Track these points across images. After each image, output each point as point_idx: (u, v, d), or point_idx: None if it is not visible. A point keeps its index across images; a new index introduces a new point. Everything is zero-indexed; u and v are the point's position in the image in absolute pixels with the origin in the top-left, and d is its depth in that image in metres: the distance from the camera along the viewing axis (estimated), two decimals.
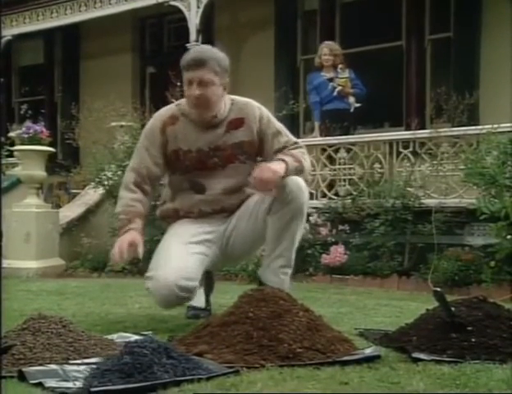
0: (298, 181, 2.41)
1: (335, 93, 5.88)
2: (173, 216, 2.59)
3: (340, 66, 5.95)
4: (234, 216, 2.53)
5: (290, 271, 2.48)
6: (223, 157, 2.50)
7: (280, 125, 2.60)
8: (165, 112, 2.59)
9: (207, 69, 2.41)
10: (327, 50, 5.98)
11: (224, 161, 2.50)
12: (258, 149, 2.54)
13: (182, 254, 2.38)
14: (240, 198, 2.54)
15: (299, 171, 2.46)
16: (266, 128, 2.53)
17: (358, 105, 5.90)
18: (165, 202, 2.66)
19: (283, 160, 2.40)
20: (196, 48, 2.63)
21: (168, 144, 2.51)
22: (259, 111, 2.55)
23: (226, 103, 2.53)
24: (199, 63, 2.42)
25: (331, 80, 5.93)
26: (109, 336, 2.08)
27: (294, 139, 2.60)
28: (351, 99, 5.92)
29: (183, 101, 2.57)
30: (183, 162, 2.50)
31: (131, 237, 2.36)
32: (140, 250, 2.33)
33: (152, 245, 5.25)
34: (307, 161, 2.54)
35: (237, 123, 2.51)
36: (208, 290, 2.70)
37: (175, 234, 2.51)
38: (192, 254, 2.40)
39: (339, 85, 5.87)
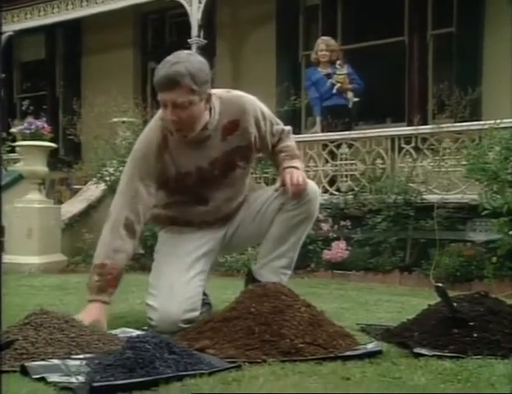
0: (315, 188, 2.39)
1: (334, 91, 5.86)
2: (167, 222, 2.47)
3: (338, 62, 5.93)
4: (235, 219, 2.47)
5: (289, 273, 2.43)
6: (223, 167, 2.34)
7: (269, 113, 2.42)
8: (155, 132, 2.27)
9: (181, 89, 2.09)
10: (324, 45, 5.95)
11: (224, 171, 2.35)
12: (260, 147, 2.42)
13: (185, 280, 2.29)
14: (238, 201, 2.46)
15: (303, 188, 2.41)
16: (263, 126, 2.38)
17: (356, 100, 5.89)
18: (156, 206, 2.39)
19: (296, 166, 2.38)
20: (168, 61, 2.15)
21: (165, 170, 2.26)
22: (253, 108, 2.34)
23: (215, 106, 2.25)
24: (171, 84, 2.10)
25: (328, 75, 5.92)
26: (112, 332, 2.08)
27: (281, 125, 2.49)
28: (349, 95, 5.91)
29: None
30: (182, 183, 2.31)
31: (95, 316, 2.12)
32: (104, 327, 2.13)
33: (153, 240, 5.28)
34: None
35: (232, 127, 2.30)
36: None
37: (174, 254, 2.37)
38: (193, 277, 2.32)
39: (338, 82, 5.86)
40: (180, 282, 2.29)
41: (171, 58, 2.17)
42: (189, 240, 2.40)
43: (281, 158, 2.44)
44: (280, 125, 2.48)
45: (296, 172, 2.32)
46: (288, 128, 2.52)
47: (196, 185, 2.34)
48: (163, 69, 2.15)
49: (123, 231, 2.23)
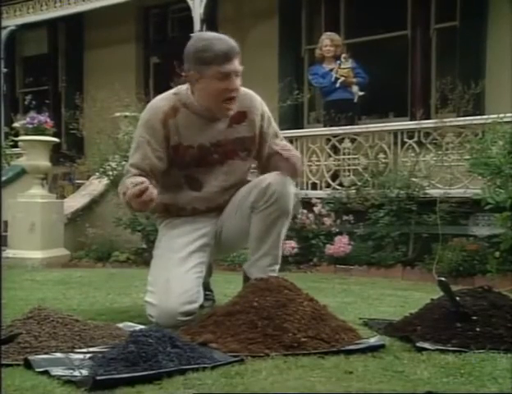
0: (282, 180, 2.31)
1: (337, 84, 5.85)
2: (162, 211, 2.48)
3: (343, 55, 5.92)
4: (224, 212, 2.47)
5: (277, 267, 2.41)
6: (223, 152, 2.37)
7: (276, 127, 2.54)
8: (164, 102, 2.36)
9: (238, 58, 2.26)
10: (328, 41, 5.93)
11: (223, 157, 2.38)
12: (258, 147, 2.45)
13: (181, 273, 2.29)
14: (230, 195, 2.46)
15: (298, 174, 2.43)
16: (267, 127, 2.45)
17: (361, 94, 5.88)
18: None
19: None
20: (215, 37, 2.30)
21: (169, 137, 2.33)
22: (261, 106, 2.45)
23: None
24: (235, 54, 2.25)
25: (332, 70, 5.91)
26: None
27: (285, 142, 2.54)
28: (354, 89, 5.89)
29: (182, 90, 2.37)
30: (182, 158, 2.35)
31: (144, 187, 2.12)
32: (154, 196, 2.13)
33: (156, 235, 5.28)
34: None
35: (239, 117, 2.38)
36: (207, 276, 2.67)
37: (170, 249, 2.38)
38: (189, 270, 2.31)
39: (342, 76, 5.84)
40: (176, 276, 2.29)
41: (214, 35, 2.34)
42: (183, 233, 2.41)
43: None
44: (284, 141, 2.51)
45: (294, 151, 2.36)
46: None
47: (193, 165, 2.37)
48: (221, 42, 2.26)
49: (137, 176, 2.26)
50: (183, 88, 2.38)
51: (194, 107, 2.33)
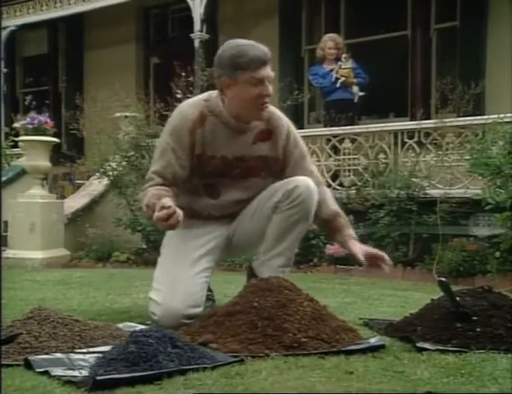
0: (308, 184, 2.30)
1: (338, 85, 5.85)
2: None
3: (343, 55, 5.92)
4: (240, 215, 2.45)
5: (288, 269, 2.41)
6: (246, 168, 2.36)
7: (305, 148, 2.50)
8: (193, 109, 2.32)
9: (270, 65, 2.27)
10: (332, 43, 5.93)
11: (246, 173, 2.37)
12: (281, 168, 2.42)
13: (189, 276, 2.29)
14: (248, 203, 2.45)
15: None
16: (293, 148, 2.41)
17: (362, 94, 5.89)
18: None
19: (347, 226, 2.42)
20: (248, 43, 2.29)
21: (195, 146, 2.31)
22: (288, 127, 2.43)
23: None
24: (268, 60, 2.25)
25: (332, 71, 5.92)
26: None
27: (315, 168, 2.51)
28: (355, 89, 5.90)
29: (213, 97, 2.34)
30: (204, 167, 2.33)
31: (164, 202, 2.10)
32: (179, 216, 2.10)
33: (156, 235, 5.29)
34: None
35: (265, 135, 2.37)
36: None
37: (181, 249, 2.37)
38: (198, 273, 2.32)
39: (342, 76, 5.85)
40: (185, 278, 2.29)
41: (247, 41, 2.30)
42: (195, 235, 2.40)
43: (338, 223, 2.41)
44: (312, 167, 2.49)
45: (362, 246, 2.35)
46: (320, 176, 2.53)
47: (214, 175, 2.35)
48: (256, 48, 2.26)
49: (159, 187, 2.27)
50: (213, 94, 2.35)
51: (223, 116, 2.31)
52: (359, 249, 2.33)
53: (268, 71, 2.25)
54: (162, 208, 2.07)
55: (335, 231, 2.43)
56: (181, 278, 2.28)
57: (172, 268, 2.34)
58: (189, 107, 2.36)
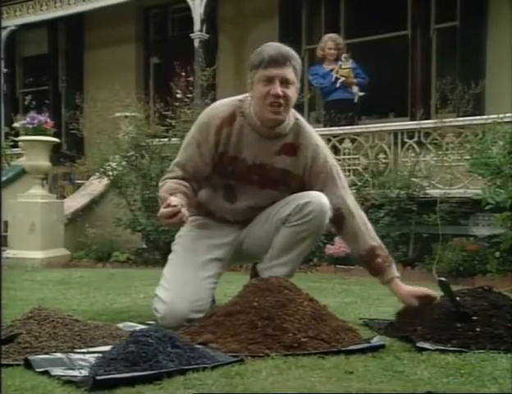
0: (321, 202, 2.24)
1: (338, 84, 5.86)
2: (194, 206, 2.42)
3: (344, 55, 5.92)
4: (251, 223, 2.44)
5: (291, 278, 2.43)
6: (264, 178, 2.32)
7: (338, 171, 2.38)
8: (225, 107, 2.32)
9: (289, 68, 2.21)
10: (332, 44, 5.94)
11: (264, 182, 2.33)
12: (301, 186, 2.34)
13: (199, 280, 2.29)
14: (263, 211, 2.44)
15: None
16: (320, 170, 2.32)
17: (361, 94, 5.89)
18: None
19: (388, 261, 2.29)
20: (273, 44, 2.28)
21: (219, 145, 2.29)
22: (316, 149, 2.33)
23: (291, 118, 2.32)
24: (284, 60, 2.20)
25: (332, 71, 5.92)
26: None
27: (348, 193, 2.40)
28: (355, 89, 5.91)
29: (247, 99, 2.32)
30: (225, 167, 2.31)
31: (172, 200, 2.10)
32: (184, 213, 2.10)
33: (156, 235, 5.28)
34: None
35: (291, 149, 2.31)
36: None
37: (193, 250, 2.37)
38: (206, 278, 2.31)
39: (342, 76, 5.85)
40: (193, 281, 2.28)
41: (274, 43, 2.30)
42: (208, 236, 2.40)
43: (377, 262, 2.28)
44: (346, 189, 2.40)
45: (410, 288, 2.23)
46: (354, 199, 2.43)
47: (233, 177, 2.34)
48: (272, 48, 2.25)
49: (178, 180, 2.28)
50: (249, 96, 2.33)
51: (251, 117, 2.29)
52: (406, 292, 2.21)
53: (282, 72, 2.19)
54: (168, 205, 2.08)
55: (375, 271, 2.30)
56: (190, 280, 2.28)
57: (182, 268, 2.34)
58: (221, 105, 2.35)
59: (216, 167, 2.32)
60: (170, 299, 2.24)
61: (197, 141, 2.30)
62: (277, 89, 2.20)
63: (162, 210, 2.10)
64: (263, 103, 2.23)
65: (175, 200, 2.10)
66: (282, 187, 2.35)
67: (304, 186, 2.34)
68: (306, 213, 2.25)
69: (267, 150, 2.31)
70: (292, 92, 2.24)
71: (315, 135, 2.41)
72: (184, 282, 2.27)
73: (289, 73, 2.21)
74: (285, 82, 2.21)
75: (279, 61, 2.20)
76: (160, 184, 2.35)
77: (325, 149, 2.41)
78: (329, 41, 5.97)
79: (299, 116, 2.38)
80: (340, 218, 2.33)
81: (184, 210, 2.09)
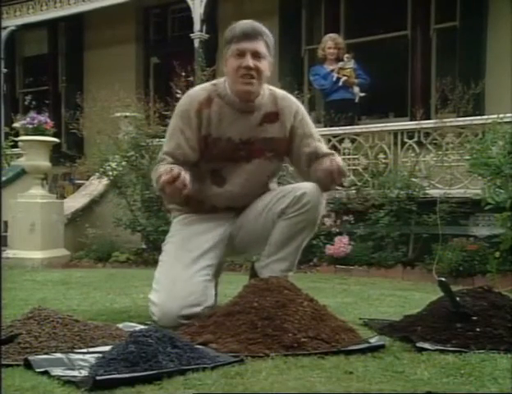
0: (317, 192, 2.29)
1: (340, 84, 5.87)
2: (183, 202, 2.43)
3: (346, 55, 5.94)
4: (242, 214, 2.45)
5: (291, 273, 2.41)
6: (250, 150, 2.36)
7: (314, 128, 2.47)
8: (201, 92, 2.38)
9: (260, 41, 2.28)
10: (332, 43, 5.96)
11: (250, 155, 2.36)
12: (287, 148, 2.43)
13: (188, 275, 2.27)
14: (254, 198, 2.44)
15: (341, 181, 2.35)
16: (298, 126, 2.41)
17: (362, 95, 5.90)
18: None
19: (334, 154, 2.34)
20: (244, 21, 2.34)
21: (201, 127, 2.33)
22: (296, 106, 2.44)
23: (265, 90, 2.39)
24: (255, 34, 2.28)
25: (333, 71, 5.93)
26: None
27: (326, 147, 2.47)
28: (356, 89, 5.92)
29: (220, 81, 2.39)
30: (210, 150, 2.34)
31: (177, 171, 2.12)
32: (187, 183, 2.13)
33: (156, 235, 5.29)
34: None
35: (272, 117, 2.38)
36: (216, 276, 2.63)
37: (182, 247, 2.37)
38: (197, 272, 2.29)
39: (344, 75, 5.86)
40: (183, 278, 2.27)
41: (245, 21, 2.35)
42: (197, 233, 2.39)
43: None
44: (321, 143, 2.46)
45: (337, 159, 2.28)
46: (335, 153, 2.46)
47: (219, 159, 2.36)
48: (244, 23, 2.32)
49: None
50: (222, 79, 2.40)
51: (228, 96, 2.34)
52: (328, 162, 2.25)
53: (253, 45, 2.26)
54: (168, 173, 2.12)
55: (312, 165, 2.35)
56: (179, 279, 2.27)
57: (171, 268, 2.33)
58: (197, 90, 2.42)
59: (201, 152, 2.36)
60: (161, 300, 2.24)
61: (180, 128, 2.34)
62: (249, 61, 2.26)
63: (164, 178, 2.13)
64: (236, 76, 2.30)
65: (175, 167, 2.14)
66: (269, 154, 2.40)
67: (288, 147, 2.42)
68: (303, 204, 2.28)
69: (250, 124, 2.36)
70: (264, 65, 2.30)
71: (291, 96, 2.49)
72: (173, 281, 2.27)
73: (260, 46, 2.28)
74: (256, 55, 2.27)
75: (250, 35, 2.27)
76: (152, 173, 2.37)
77: (303, 110, 2.49)
78: (329, 41, 6.00)
79: (272, 86, 2.45)
80: (313, 157, 2.38)
81: (184, 173, 2.13)
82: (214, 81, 2.44)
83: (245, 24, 2.32)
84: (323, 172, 2.25)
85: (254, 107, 2.36)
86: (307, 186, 2.32)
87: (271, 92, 2.42)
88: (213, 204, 2.42)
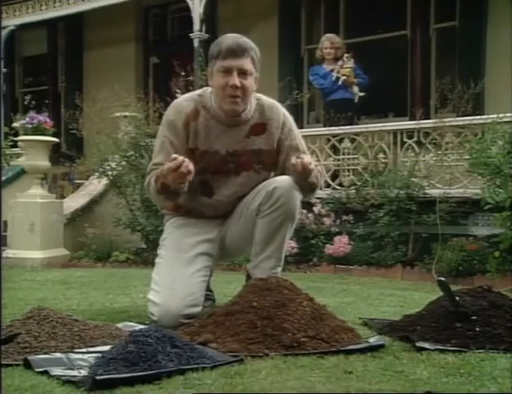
0: (289, 185, 2.29)
1: (339, 83, 5.87)
2: (170, 208, 2.49)
3: (345, 55, 5.94)
4: (229, 217, 2.47)
5: (280, 269, 2.41)
6: (239, 163, 2.37)
7: (300, 140, 2.47)
8: (187, 103, 2.37)
9: (247, 59, 2.27)
10: (328, 43, 5.97)
11: (239, 168, 2.38)
12: (275, 160, 2.42)
13: (187, 275, 2.29)
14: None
15: (314, 187, 2.37)
16: (285, 138, 2.41)
17: (362, 94, 5.90)
18: None
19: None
20: (231, 35, 2.34)
21: (189, 139, 2.34)
22: (283, 117, 2.43)
23: (252, 101, 2.38)
24: (241, 51, 2.27)
25: (332, 71, 5.93)
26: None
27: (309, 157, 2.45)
28: (355, 89, 5.92)
29: (206, 93, 2.38)
30: (198, 163, 2.29)
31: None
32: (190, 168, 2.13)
33: (156, 235, 5.28)
34: (321, 182, 2.47)
35: (259, 129, 2.38)
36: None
37: (177, 248, 2.39)
38: (194, 273, 2.32)
39: (343, 75, 5.87)
40: (181, 278, 2.29)
41: (233, 35, 2.35)
42: (190, 234, 2.41)
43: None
44: (308, 156, 2.42)
45: (305, 157, 2.27)
46: (318, 165, 2.50)
47: (208, 171, 2.37)
48: (230, 39, 2.31)
49: None
50: (208, 90, 2.40)
51: (213, 110, 2.35)
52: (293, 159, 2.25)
53: (240, 63, 2.26)
54: (172, 160, 2.12)
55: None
56: (178, 279, 2.28)
57: (169, 268, 2.34)
58: (183, 100, 2.42)
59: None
60: (162, 300, 2.24)
61: (169, 139, 2.35)
62: (235, 80, 2.26)
63: (168, 165, 2.14)
64: (222, 94, 2.30)
65: (177, 155, 2.14)
66: (257, 166, 2.41)
67: (276, 158, 2.41)
68: (276, 199, 2.29)
69: (237, 137, 2.37)
70: (250, 82, 2.30)
71: (279, 106, 2.48)
72: (172, 281, 2.28)
73: (246, 63, 2.28)
74: (242, 73, 2.27)
75: (236, 52, 2.27)
76: (145, 183, 2.38)
77: (290, 119, 2.47)
78: (325, 41, 6.02)
79: (258, 95, 2.43)
80: None
81: (187, 161, 2.13)
82: (200, 91, 2.43)
83: (232, 40, 2.31)
84: (291, 168, 2.26)
85: (241, 121, 2.37)
86: (278, 180, 2.33)
87: (258, 102, 2.41)
88: (202, 211, 2.45)
